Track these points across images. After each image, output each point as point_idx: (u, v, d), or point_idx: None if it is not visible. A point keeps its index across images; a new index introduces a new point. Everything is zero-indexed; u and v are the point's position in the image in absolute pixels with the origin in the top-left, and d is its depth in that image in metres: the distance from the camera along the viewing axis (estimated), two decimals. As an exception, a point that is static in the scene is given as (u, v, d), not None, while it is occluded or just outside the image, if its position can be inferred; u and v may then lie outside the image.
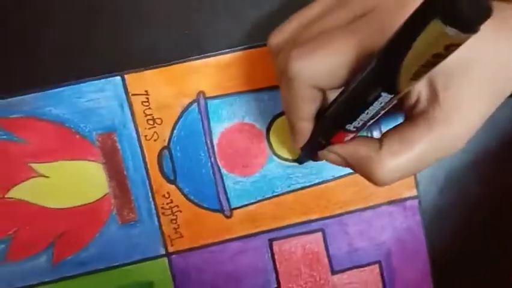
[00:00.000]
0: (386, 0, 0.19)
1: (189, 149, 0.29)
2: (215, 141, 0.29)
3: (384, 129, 0.29)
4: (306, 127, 0.22)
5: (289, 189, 0.30)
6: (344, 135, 0.21)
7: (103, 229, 0.29)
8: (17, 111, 0.28)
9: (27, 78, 0.28)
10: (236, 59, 0.29)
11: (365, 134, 0.30)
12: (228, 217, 0.30)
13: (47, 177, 0.29)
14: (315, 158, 0.25)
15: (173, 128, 0.29)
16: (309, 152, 0.25)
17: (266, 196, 0.30)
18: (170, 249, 0.29)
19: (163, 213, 0.29)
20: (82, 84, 0.28)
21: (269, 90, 0.29)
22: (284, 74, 0.20)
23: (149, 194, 0.29)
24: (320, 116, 0.22)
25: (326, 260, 0.30)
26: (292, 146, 0.28)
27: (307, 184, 0.30)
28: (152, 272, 0.29)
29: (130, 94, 0.28)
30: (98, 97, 0.28)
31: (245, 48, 0.28)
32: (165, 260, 0.30)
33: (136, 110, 0.29)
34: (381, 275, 0.30)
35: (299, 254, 0.30)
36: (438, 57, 0.14)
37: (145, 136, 0.29)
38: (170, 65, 0.28)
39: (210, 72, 0.29)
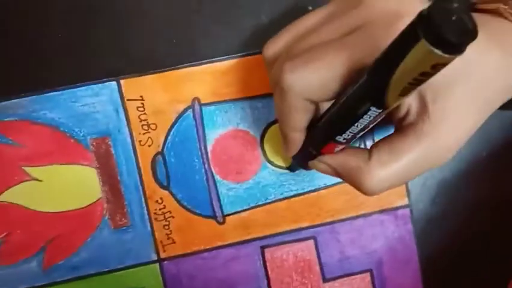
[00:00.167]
0: (377, 16, 0.19)
1: (183, 154, 0.29)
2: (209, 148, 0.29)
3: (377, 139, 0.30)
4: (297, 137, 0.22)
5: (282, 196, 0.30)
6: (334, 146, 0.21)
7: (95, 234, 0.29)
8: (12, 115, 0.28)
9: (24, 81, 0.28)
10: (232, 66, 0.29)
11: (357, 144, 0.30)
12: (220, 223, 0.30)
13: (40, 181, 0.29)
14: (306, 167, 0.25)
15: (168, 134, 0.29)
16: (300, 161, 0.25)
17: (259, 203, 0.30)
18: (163, 255, 0.29)
19: (155, 219, 0.29)
20: (77, 89, 0.28)
21: (264, 97, 0.29)
22: (278, 85, 0.21)
23: (142, 199, 0.29)
24: (312, 126, 0.22)
25: (317, 267, 0.30)
26: (284, 154, 0.28)
27: (300, 192, 0.30)
28: (144, 277, 0.29)
29: (126, 99, 0.29)
30: (93, 102, 0.28)
31: (241, 56, 0.29)
32: (157, 266, 0.29)
33: (131, 115, 0.29)
34: (373, 283, 0.30)
35: (291, 262, 0.30)
36: (425, 76, 0.14)
37: (140, 141, 0.29)
38: (166, 71, 0.29)
39: (205, 79, 0.29)
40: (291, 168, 0.30)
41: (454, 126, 0.19)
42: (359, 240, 0.30)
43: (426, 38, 0.13)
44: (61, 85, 0.28)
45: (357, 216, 0.30)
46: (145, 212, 0.29)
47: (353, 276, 0.30)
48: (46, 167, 0.29)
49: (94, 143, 0.29)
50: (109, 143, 0.29)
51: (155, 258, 0.29)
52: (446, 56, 0.13)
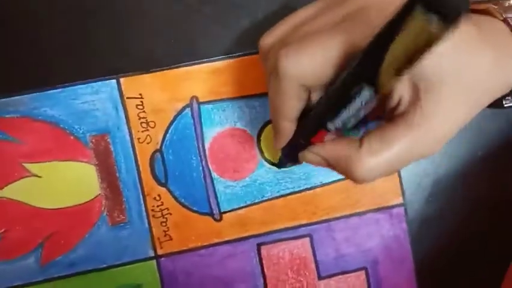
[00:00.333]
0: (372, 2, 0.20)
1: (181, 152, 0.30)
2: (207, 146, 0.30)
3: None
4: (288, 127, 0.23)
5: (278, 194, 0.30)
6: (324, 134, 0.21)
7: (93, 230, 0.29)
8: (13, 111, 0.29)
9: (25, 79, 0.29)
10: (230, 65, 0.29)
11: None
12: (217, 221, 0.30)
13: (40, 177, 0.29)
14: (295, 160, 0.25)
15: (166, 132, 0.29)
16: (289, 153, 0.25)
17: (256, 201, 0.30)
18: (160, 251, 0.30)
19: (153, 216, 0.30)
20: (77, 86, 0.29)
21: (261, 97, 0.30)
22: (273, 73, 0.21)
23: (141, 196, 0.29)
24: (302, 118, 0.23)
25: (313, 265, 0.30)
26: (274, 148, 0.29)
27: (296, 190, 0.30)
28: (141, 274, 0.30)
29: (125, 97, 0.29)
30: (93, 99, 0.29)
31: (239, 56, 0.29)
32: (154, 262, 0.30)
33: (130, 113, 0.29)
34: (368, 281, 0.31)
35: (287, 259, 0.30)
36: (419, 53, 0.15)
37: (138, 139, 0.29)
38: (165, 69, 0.29)
39: (203, 78, 0.29)
40: (278, 164, 0.30)
41: (444, 120, 0.20)
42: (354, 238, 0.30)
43: (423, 1, 0.13)
44: (62, 83, 0.29)
45: (353, 215, 0.30)
46: (143, 208, 0.29)
47: (348, 274, 0.31)
48: (46, 163, 0.29)
49: (93, 140, 0.29)
50: (108, 140, 0.29)
51: (153, 255, 0.30)
52: (442, 25, 0.14)
